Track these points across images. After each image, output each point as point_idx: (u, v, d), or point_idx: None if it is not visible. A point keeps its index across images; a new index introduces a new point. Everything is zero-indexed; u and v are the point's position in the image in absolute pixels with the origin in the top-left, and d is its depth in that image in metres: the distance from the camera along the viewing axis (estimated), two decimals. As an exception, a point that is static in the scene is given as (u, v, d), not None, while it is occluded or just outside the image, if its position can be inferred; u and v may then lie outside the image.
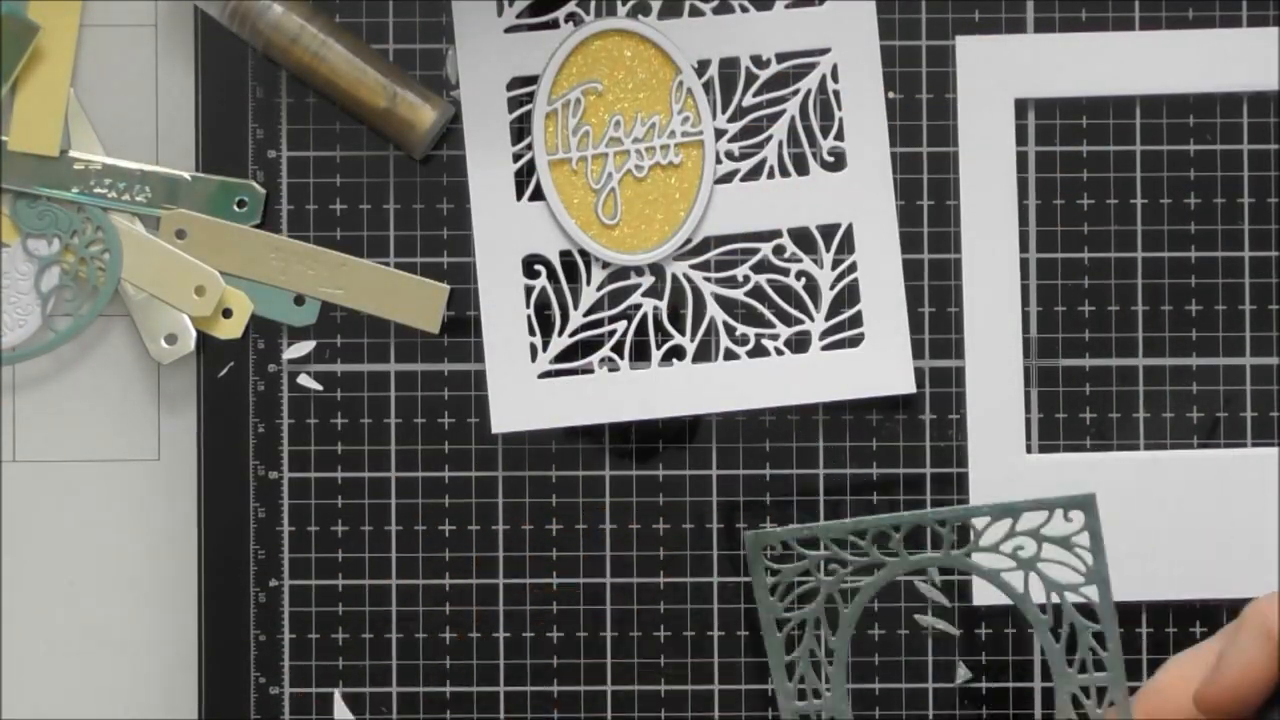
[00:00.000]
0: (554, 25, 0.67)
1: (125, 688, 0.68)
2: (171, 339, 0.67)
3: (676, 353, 0.67)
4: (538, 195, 0.67)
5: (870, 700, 0.67)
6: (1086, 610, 0.58)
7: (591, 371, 0.67)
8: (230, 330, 0.67)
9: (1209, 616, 0.67)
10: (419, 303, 0.67)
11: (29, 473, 0.68)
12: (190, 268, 0.67)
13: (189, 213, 0.67)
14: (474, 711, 0.67)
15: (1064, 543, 0.57)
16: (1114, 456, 0.67)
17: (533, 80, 0.67)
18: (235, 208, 0.67)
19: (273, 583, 0.67)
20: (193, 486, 0.68)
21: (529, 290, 0.67)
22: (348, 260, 0.67)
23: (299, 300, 0.67)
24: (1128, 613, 0.67)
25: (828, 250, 0.67)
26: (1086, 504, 0.56)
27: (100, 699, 0.68)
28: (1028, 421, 0.67)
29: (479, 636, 0.67)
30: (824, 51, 0.67)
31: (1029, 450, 0.67)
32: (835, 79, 0.67)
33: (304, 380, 0.67)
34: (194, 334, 0.67)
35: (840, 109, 0.67)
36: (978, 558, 0.58)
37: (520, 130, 0.67)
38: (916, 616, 0.67)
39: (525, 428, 0.67)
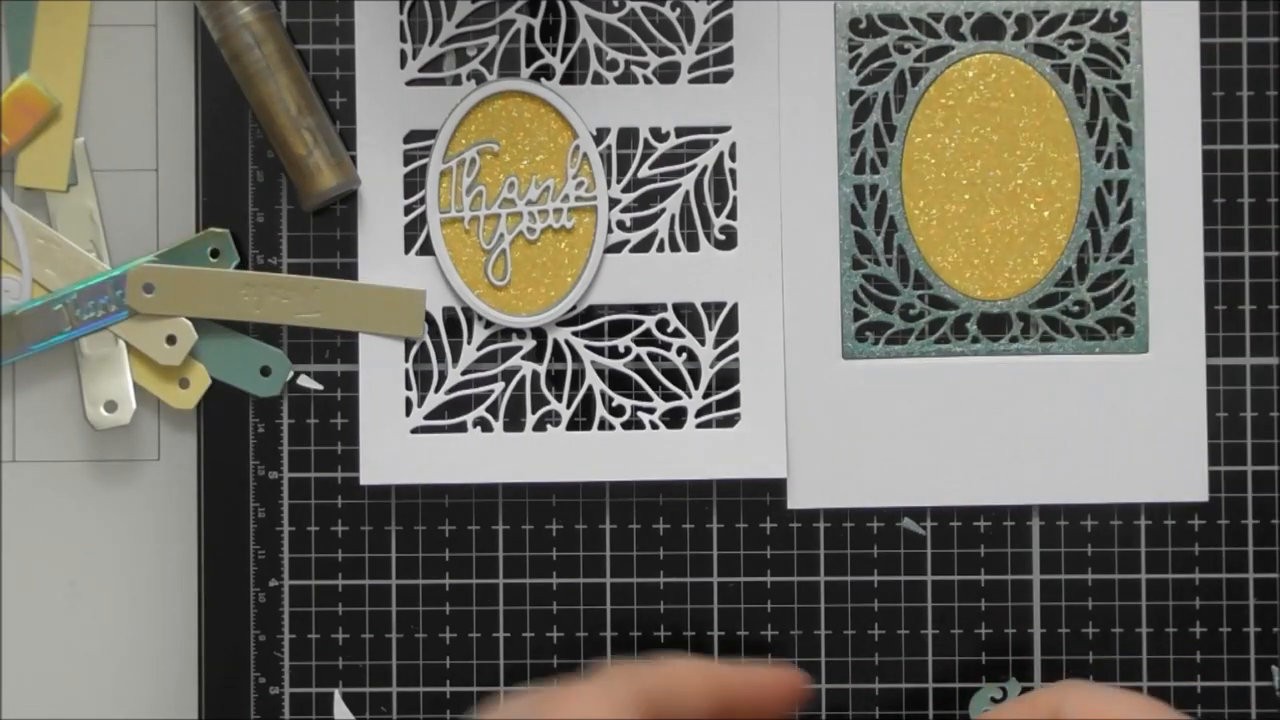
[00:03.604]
0: (456, 82, 0.67)
1: (125, 688, 0.68)
2: (111, 406, 0.67)
3: (551, 418, 0.67)
4: (427, 249, 0.67)
5: (870, 700, 0.67)
6: (1117, 107, 0.66)
7: (465, 430, 0.67)
8: (184, 401, 0.67)
9: (1210, 616, 0.67)
10: (397, 311, 0.67)
11: (29, 473, 0.68)
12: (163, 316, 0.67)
13: (153, 265, 0.67)
14: (474, 711, 0.67)
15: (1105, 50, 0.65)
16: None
17: (431, 135, 0.67)
18: (210, 258, 0.67)
19: (273, 583, 0.67)
20: (193, 486, 0.68)
21: (409, 344, 0.67)
22: (320, 282, 0.67)
23: (265, 371, 0.67)
24: (1127, 613, 0.67)
25: (711, 328, 0.67)
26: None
27: (100, 699, 0.68)
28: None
29: (479, 636, 0.67)
30: (724, 129, 0.67)
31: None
32: (733, 158, 0.67)
33: (304, 380, 0.67)
34: (133, 407, 0.67)
35: (735, 188, 0.67)
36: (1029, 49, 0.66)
37: (414, 184, 0.67)
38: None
39: (394, 481, 0.67)
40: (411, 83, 0.67)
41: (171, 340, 0.67)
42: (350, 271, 0.67)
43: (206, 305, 0.67)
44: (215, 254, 0.67)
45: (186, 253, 0.67)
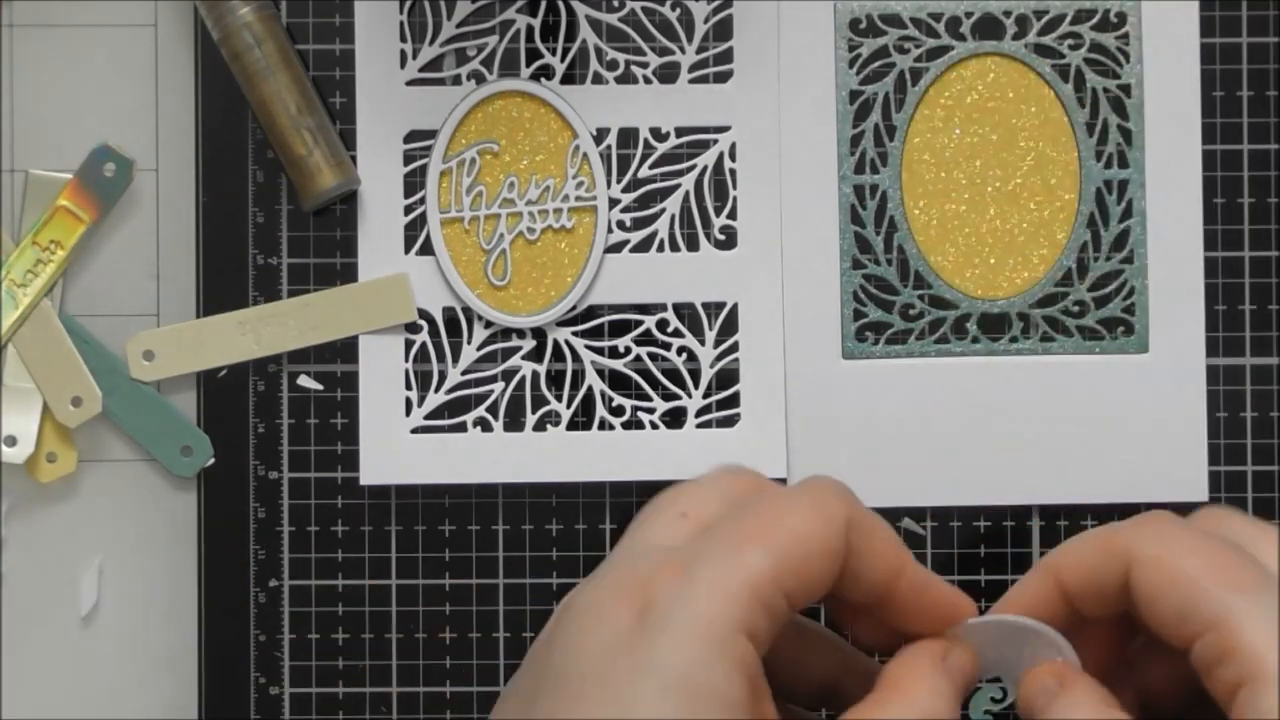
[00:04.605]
0: (456, 82, 0.67)
1: (125, 688, 0.68)
2: (11, 441, 0.67)
3: (551, 418, 0.67)
4: (427, 249, 0.67)
5: (870, 700, 0.67)
6: (1117, 107, 0.66)
7: (465, 430, 0.67)
8: (48, 474, 0.67)
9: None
10: (387, 301, 0.67)
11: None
12: (78, 375, 0.67)
13: (151, 332, 0.67)
14: (474, 711, 0.67)
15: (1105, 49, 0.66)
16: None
17: (431, 135, 0.67)
18: (105, 175, 0.67)
19: (273, 583, 0.67)
20: (193, 486, 0.68)
21: (409, 344, 0.67)
22: (309, 299, 0.67)
23: (186, 450, 0.67)
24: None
25: (711, 328, 0.67)
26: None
27: (100, 699, 0.68)
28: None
29: (479, 636, 0.67)
30: (724, 129, 0.67)
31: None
32: (733, 158, 0.67)
33: (304, 380, 0.67)
34: (30, 451, 0.67)
35: (735, 188, 0.67)
36: (1029, 49, 0.66)
37: (414, 184, 0.67)
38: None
39: (394, 481, 0.67)
40: (411, 83, 0.67)
41: (76, 402, 0.67)
42: (350, 271, 0.67)
43: (208, 357, 0.67)
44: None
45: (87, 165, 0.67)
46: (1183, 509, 0.67)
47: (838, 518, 0.48)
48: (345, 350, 0.67)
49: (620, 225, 0.67)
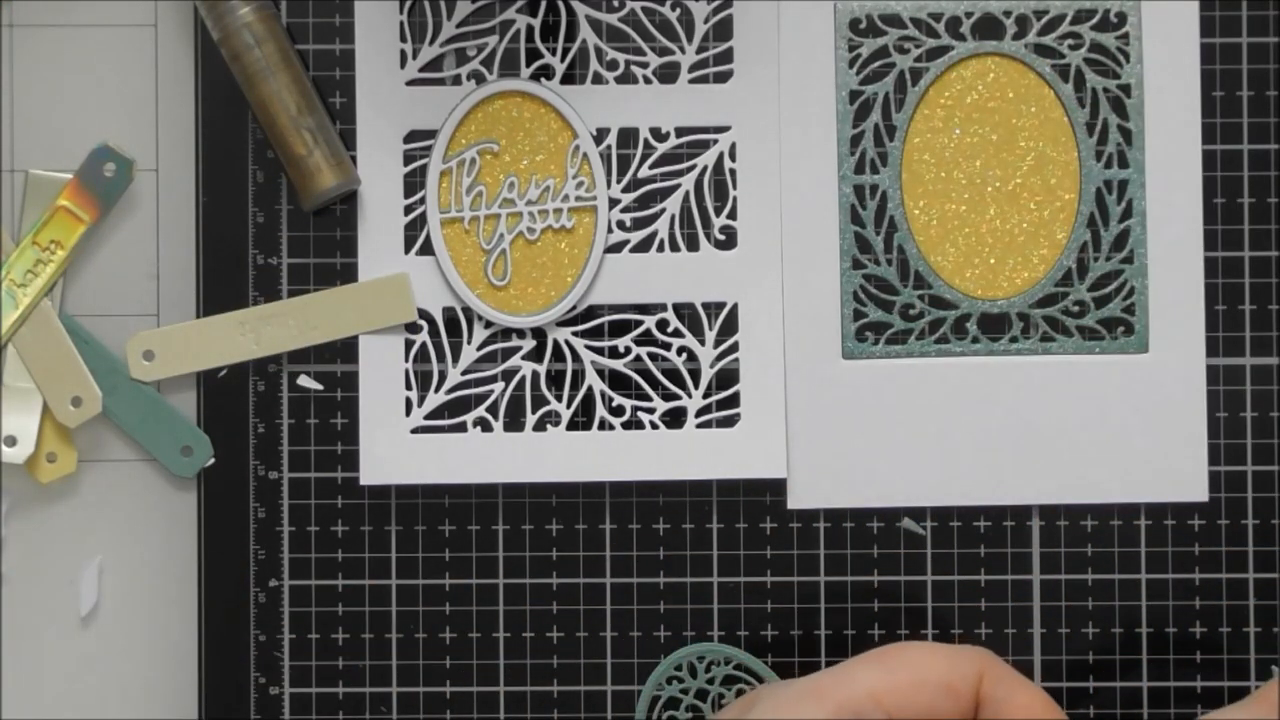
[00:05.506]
0: (456, 82, 0.67)
1: (125, 688, 0.68)
2: (11, 441, 0.67)
3: (551, 418, 0.67)
4: (427, 249, 0.67)
5: (870, 700, 0.67)
6: (1117, 107, 0.66)
7: (465, 430, 0.67)
8: (48, 474, 0.67)
9: (1210, 616, 0.67)
10: (387, 300, 0.67)
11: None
12: (78, 375, 0.67)
13: (151, 332, 0.67)
14: (474, 711, 0.67)
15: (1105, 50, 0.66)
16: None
17: (431, 135, 0.67)
18: (105, 175, 0.67)
19: (273, 583, 0.67)
20: (193, 486, 0.68)
21: (409, 344, 0.67)
22: (309, 299, 0.67)
23: (186, 450, 0.67)
24: (1127, 613, 0.67)
25: (711, 328, 0.67)
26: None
27: (100, 699, 0.68)
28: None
29: (479, 636, 0.67)
30: (724, 129, 0.67)
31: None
32: (733, 158, 0.67)
33: (304, 380, 0.67)
34: (30, 451, 0.67)
35: (735, 188, 0.67)
36: (1029, 49, 0.67)
37: (414, 184, 0.67)
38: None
39: (394, 481, 0.67)
40: (411, 83, 0.67)
41: (76, 402, 0.67)
42: (350, 271, 0.67)
43: (208, 357, 0.67)
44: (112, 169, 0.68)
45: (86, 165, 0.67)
46: (1183, 509, 0.67)
47: (966, 663, 0.54)
48: (345, 350, 0.67)
49: (620, 225, 0.67)
